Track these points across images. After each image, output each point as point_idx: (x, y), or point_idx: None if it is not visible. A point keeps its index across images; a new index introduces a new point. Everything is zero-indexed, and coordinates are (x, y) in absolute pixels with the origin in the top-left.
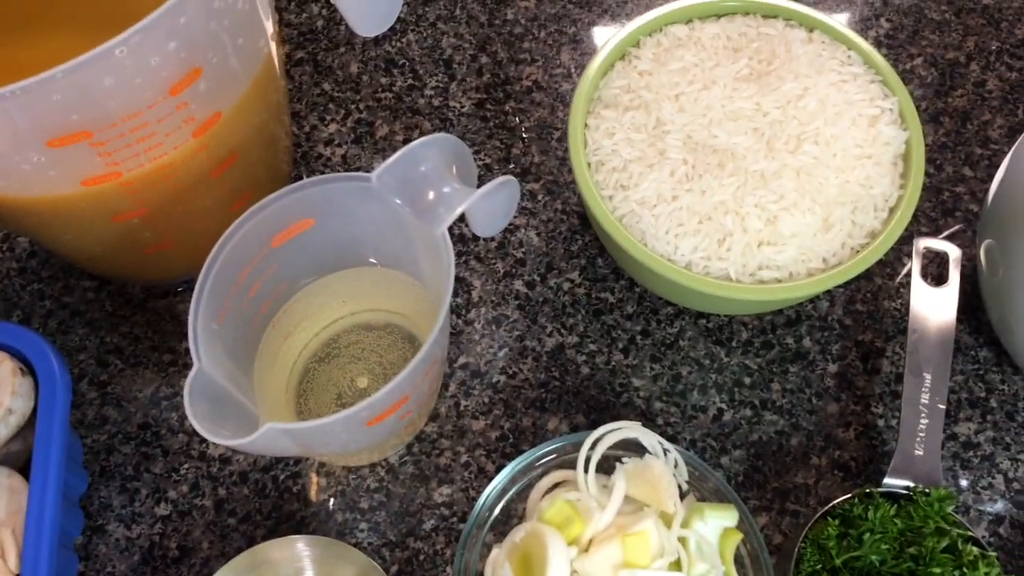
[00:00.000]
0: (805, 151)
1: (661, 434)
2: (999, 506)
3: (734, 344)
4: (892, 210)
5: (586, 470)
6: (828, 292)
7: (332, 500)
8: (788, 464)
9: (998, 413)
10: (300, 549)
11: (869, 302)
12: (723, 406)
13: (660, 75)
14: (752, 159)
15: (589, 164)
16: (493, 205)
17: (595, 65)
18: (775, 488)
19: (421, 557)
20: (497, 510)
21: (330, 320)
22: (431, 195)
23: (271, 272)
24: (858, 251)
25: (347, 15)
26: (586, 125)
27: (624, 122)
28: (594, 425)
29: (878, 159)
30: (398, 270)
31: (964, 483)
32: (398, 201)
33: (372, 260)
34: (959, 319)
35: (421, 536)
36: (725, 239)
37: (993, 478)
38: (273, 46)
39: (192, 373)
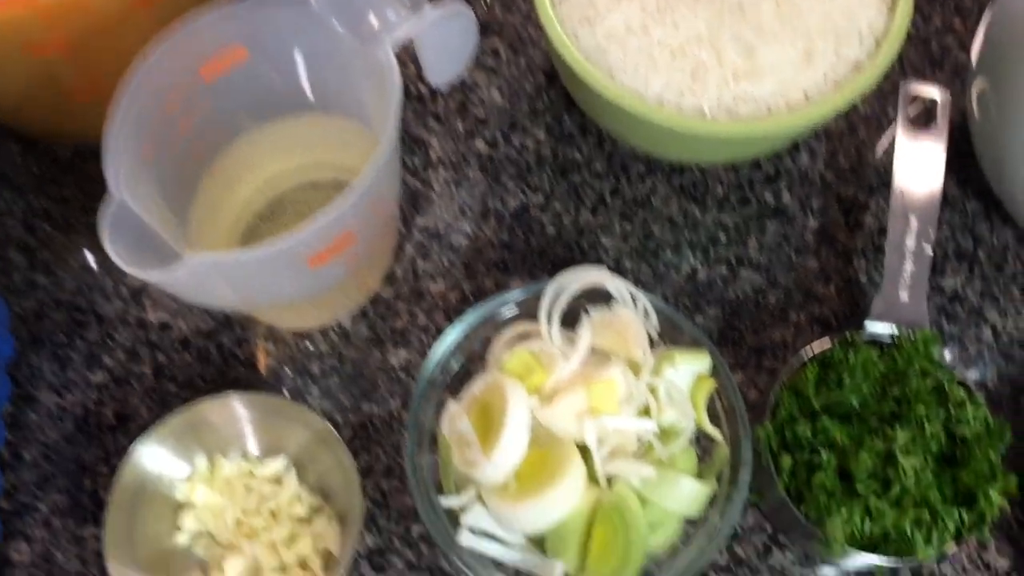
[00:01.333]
0: None
1: None
2: (986, 359)
3: (709, 201)
4: (879, 41)
5: (549, 319)
6: (809, 146)
7: (282, 366)
8: (765, 321)
9: (986, 265)
10: (238, 409)
11: (852, 156)
12: (697, 264)
13: None
14: None
15: None
16: (445, 39)
17: None
18: (751, 346)
19: (376, 421)
20: (456, 366)
21: (274, 172)
22: (374, 19)
23: (204, 108)
24: (843, 85)
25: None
26: None
27: None
28: None
29: None
30: (341, 112)
31: (952, 336)
32: (337, 24)
33: (311, 99)
34: (945, 171)
35: (376, 400)
36: (699, 73)
37: (980, 331)
38: None
39: (109, 204)
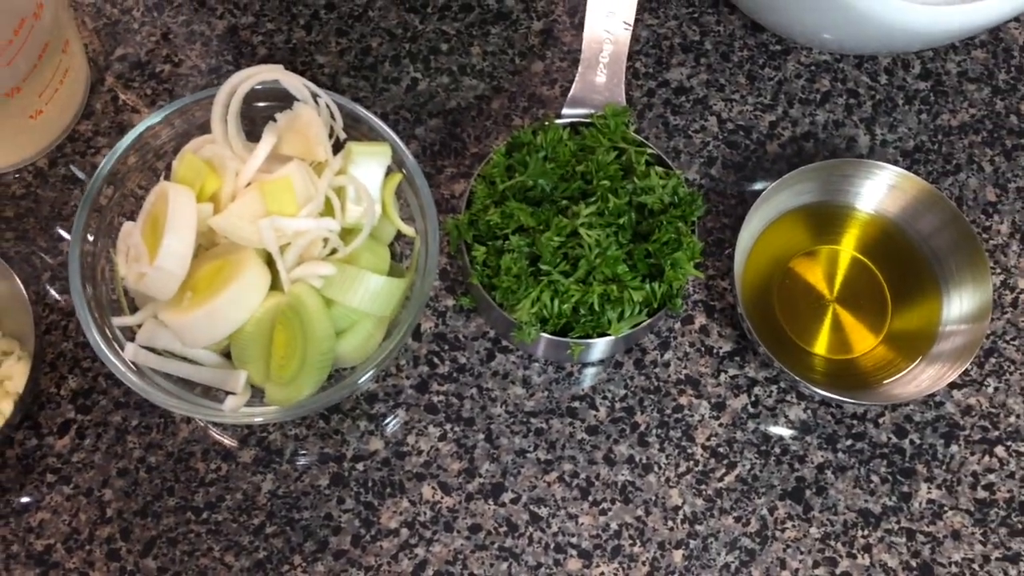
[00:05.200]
0: None
1: None
2: (711, 147)
3: (430, 10)
4: None
5: (225, 123)
6: None
7: None
8: (488, 128)
9: (712, 55)
10: None
11: None
12: (418, 75)
13: None
14: None
15: None
16: None
17: None
18: (474, 153)
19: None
20: (115, 191)
21: None
22: None
23: None
24: None
25: None
26: None
27: None
28: None
29: None
30: None
31: (677, 128)
32: None
33: None
34: None
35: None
36: None
37: (706, 120)
38: None
39: None
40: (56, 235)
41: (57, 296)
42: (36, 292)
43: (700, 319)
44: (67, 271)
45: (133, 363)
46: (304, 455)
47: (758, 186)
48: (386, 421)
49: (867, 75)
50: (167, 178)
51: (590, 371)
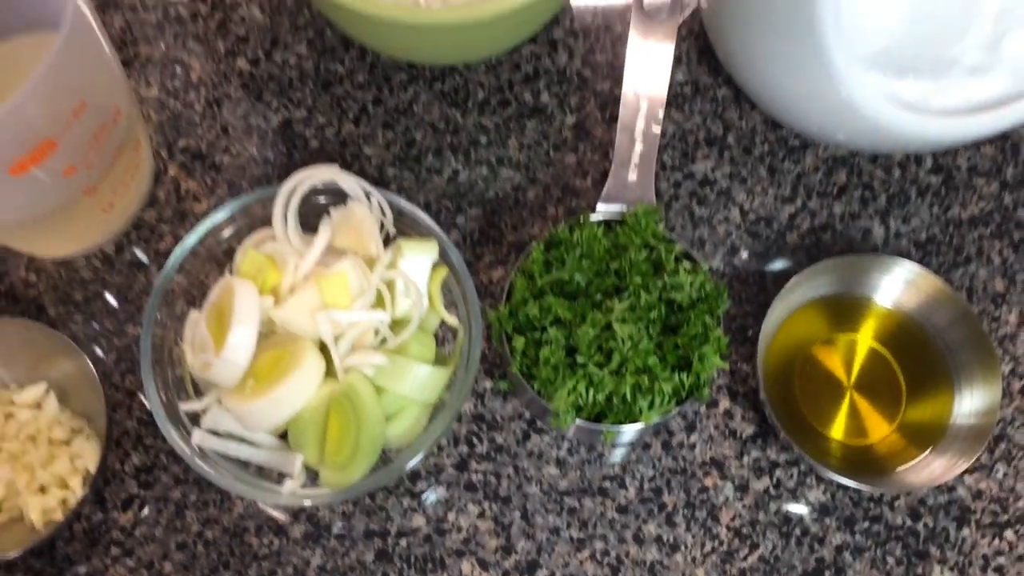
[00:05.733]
0: None
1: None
2: (734, 237)
3: (470, 105)
4: None
5: (285, 220)
6: (567, 44)
7: (43, 295)
8: (524, 217)
9: (735, 149)
10: None
11: (608, 51)
12: (459, 167)
13: None
14: None
15: None
16: None
17: None
18: (511, 242)
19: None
20: (182, 280)
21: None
22: None
23: None
24: None
25: None
26: None
27: None
28: None
29: None
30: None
31: (702, 219)
32: None
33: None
34: (698, 60)
35: (141, 322)
36: None
37: (729, 211)
38: None
39: None
40: (121, 317)
41: (121, 376)
42: (103, 372)
43: (724, 403)
44: (131, 352)
45: (198, 446)
46: (351, 531)
47: (779, 274)
48: (428, 498)
49: (881, 169)
50: (229, 267)
51: (620, 452)
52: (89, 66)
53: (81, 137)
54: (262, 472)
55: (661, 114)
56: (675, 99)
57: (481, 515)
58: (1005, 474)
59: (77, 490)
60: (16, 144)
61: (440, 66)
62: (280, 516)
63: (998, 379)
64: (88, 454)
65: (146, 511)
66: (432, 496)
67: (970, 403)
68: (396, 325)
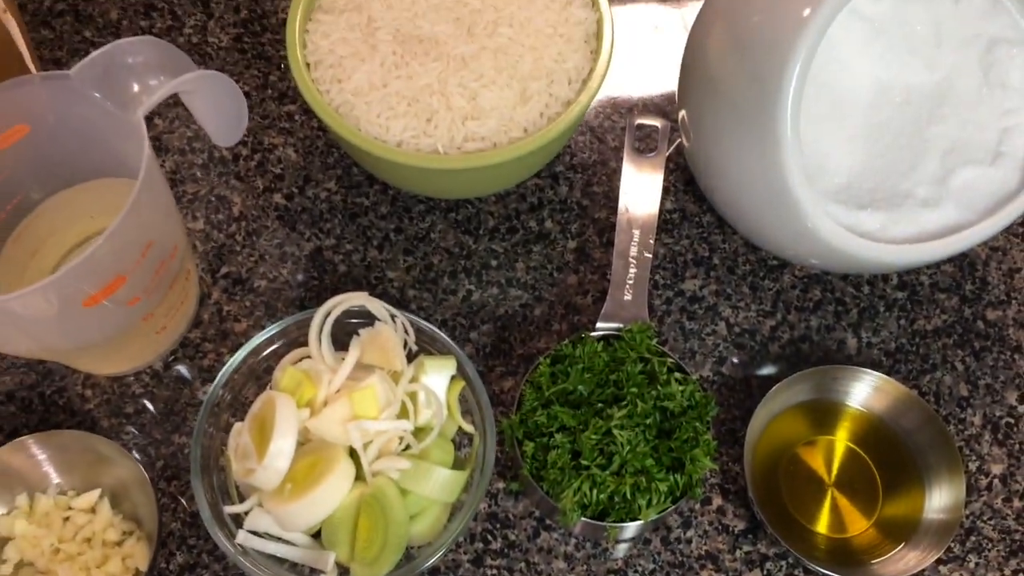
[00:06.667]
0: (500, 33)
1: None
2: (721, 348)
3: (481, 232)
4: (584, 82)
5: (320, 340)
6: (567, 177)
7: (97, 409)
8: (532, 332)
9: (720, 269)
10: (33, 449)
11: (605, 183)
12: (472, 287)
13: None
14: (453, 44)
15: (308, 64)
16: (215, 104)
17: None
18: (520, 354)
19: (186, 451)
20: (227, 395)
21: (81, 238)
22: (135, 87)
23: None
24: (556, 119)
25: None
26: (306, 31)
27: (340, 23)
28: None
29: (569, 37)
30: (129, 175)
31: (692, 331)
32: (98, 95)
33: (99, 166)
34: (684, 190)
35: (186, 432)
36: (432, 117)
37: (716, 325)
38: None
39: None
40: (168, 428)
41: (167, 481)
42: (151, 478)
43: (717, 500)
44: (177, 459)
45: (241, 546)
46: None
47: (763, 381)
48: None
49: (852, 286)
50: (268, 382)
51: (623, 547)
52: (157, 209)
53: (146, 272)
54: (296, 568)
55: (652, 239)
56: (665, 225)
57: None
58: (976, 564)
59: None
60: (94, 282)
61: (454, 199)
62: None
63: (961, 478)
64: (139, 554)
65: None
66: None
67: (939, 499)
68: (419, 432)
